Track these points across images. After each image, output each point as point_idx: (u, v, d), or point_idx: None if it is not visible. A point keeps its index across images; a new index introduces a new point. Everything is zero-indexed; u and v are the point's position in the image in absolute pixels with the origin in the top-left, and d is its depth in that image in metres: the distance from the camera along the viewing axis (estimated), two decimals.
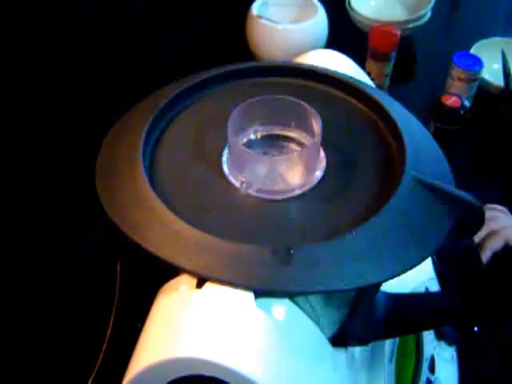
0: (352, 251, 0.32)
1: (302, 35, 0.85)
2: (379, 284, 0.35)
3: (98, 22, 0.88)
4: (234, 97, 0.43)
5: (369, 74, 0.84)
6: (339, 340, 0.38)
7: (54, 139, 0.78)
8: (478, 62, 0.81)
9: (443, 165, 0.40)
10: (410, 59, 1.00)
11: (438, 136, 0.75)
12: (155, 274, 0.35)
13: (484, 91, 0.86)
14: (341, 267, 0.32)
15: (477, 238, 0.62)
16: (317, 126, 0.39)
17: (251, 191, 0.38)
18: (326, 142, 0.40)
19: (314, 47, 0.84)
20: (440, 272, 0.54)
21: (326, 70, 0.47)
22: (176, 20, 0.98)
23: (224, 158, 0.40)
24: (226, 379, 0.29)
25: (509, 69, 0.85)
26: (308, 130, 0.41)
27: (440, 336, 0.52)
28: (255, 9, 0.88)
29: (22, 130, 0.77)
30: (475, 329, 0.56)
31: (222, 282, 0.32)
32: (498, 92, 0.86)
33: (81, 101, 0.83)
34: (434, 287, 0.52)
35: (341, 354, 0.39)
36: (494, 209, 0.68)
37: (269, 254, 0.32)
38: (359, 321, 0.38)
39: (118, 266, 0.44)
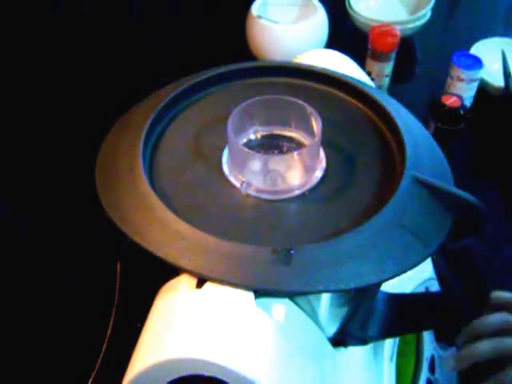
0: (352, 251, 0.32)
1: (302, 35, 0.85)
2: (379, 284, 0.35)
3: (99, 22, 0.88)
4: (234, 97, 0.43)
5: (369, 74, 0.84)
6: (339, 340, 0.38)
7: (54, 139, 0.78)
8: (478, 62, 0.81)
9: (443, 165, 0.40)
10: (410, 59, 1.00)
11: (437, 136, 0.75)
12: (155, 273, 0.35)
13: (484, 91, 0.86)
14: (341, 267, 0.32)
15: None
16: (317, 126, 0.39)
17: (251, 191, 0.38)
18: (326, 142, 0.40)
19: (314, 47, 0.84)
20: (440, 272, 0.54)
21: (326, 69, 0.47)
22: (176, 20, 0.98)
23: (224, 158, 0.40)
24: (226, 379, 0.29)
25: (509, 69, 0.85)
26: (308, 130, 0.41)
27: (440, 336, 0.52)
28: (255, 9, 0.88)
29: (21, 130, 0.77)
30: None
31: (222, 281, 0.32)
32: (498, 92, 0.86)
33: (81, 100, 0.83)
34: (434, 287, 0.52)
35: (341, 354, 0.39)
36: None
37: (269, 254, 0.32)
38: (359, 321, 0.38)
39: (118, 266, 0.44)
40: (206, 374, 0.30)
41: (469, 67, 0.80)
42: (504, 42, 0.92)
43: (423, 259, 0.34)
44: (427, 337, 0.50)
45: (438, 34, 1.05)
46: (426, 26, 0.96)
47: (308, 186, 0.38)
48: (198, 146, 0.42)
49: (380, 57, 0.83)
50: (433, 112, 0.75)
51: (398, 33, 0.82)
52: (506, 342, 0.37)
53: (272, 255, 0.32)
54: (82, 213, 0.67)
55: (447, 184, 0.37)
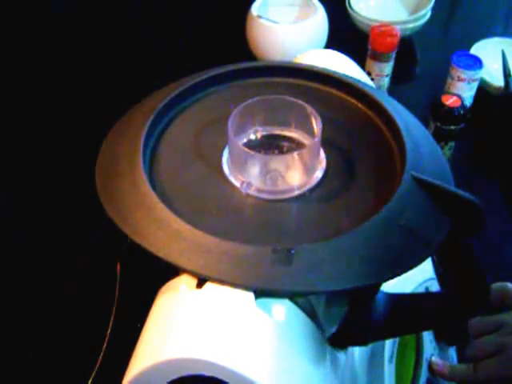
0: (352, 251, 0.32)
1: (302, 35, 0.85)
2: (379, 284, 0.35)
3: (99, 22, 0.88)
4: (234, 97, 0.43)
5: (369, 74, 0.84)
6: (339, 340, 0.38)
7: (54, 139, 0.78)
8: (477, 61, 0.81)
9: (443, 165, 0.40)
10: (410, 59, 1.00)
11: (437, 136, 0.75)
12: (155, 273, 0.35)
13: (484, 91, 0.86)
14: (341, 267, 0.32)
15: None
16: (317, 126, 0.39)
17: (251, 191, 0.38)
18: (326, 142, 0.40)
19: (314, 47, 0.84)
20: (440, 272, 0.54)
21: (326, 70, 0.47)
22: (176, 20, 0.98)
23: (224, 158, 0.40)
24: (226, 379, 0.29)
25: (509, 69, 0.85)
26: (308, 130, 0.41)
27: (440, 336, 0.52)
28: (255, 9, 0.88)
29: (22, 130, 0.77)
30: None
31: (222, 281, 0.32)
32: (498, 92, 0.86)
33: (81, 101, 0.83)
34: (434, 287, 0.52)
35: (340, 354, 0.39)
36: None
37: (269, 254, 0.32)
38: (359, 321, 0.38)
39: (118, 266, 0.44)
40: (206, 374, 0.30)
41: (469, 67, 0.80)
42: (504, 42, 0.92)
43: (423, 259, 0.34)
44: (427, 337, 0.50)
45: (438, 34, 1.05)
46: (425, 26, 0.96)
47: (308, 186, 0.38)
48: (197, 146, 0.42)
49: (380, 57, 0.83)
50: (433, 112, 0.75)
51: (398, 33, 0.82)
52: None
53: (272, 255, 0.32)
54: (81, 213, 0.67)
55: (447, 184, 0.37)
